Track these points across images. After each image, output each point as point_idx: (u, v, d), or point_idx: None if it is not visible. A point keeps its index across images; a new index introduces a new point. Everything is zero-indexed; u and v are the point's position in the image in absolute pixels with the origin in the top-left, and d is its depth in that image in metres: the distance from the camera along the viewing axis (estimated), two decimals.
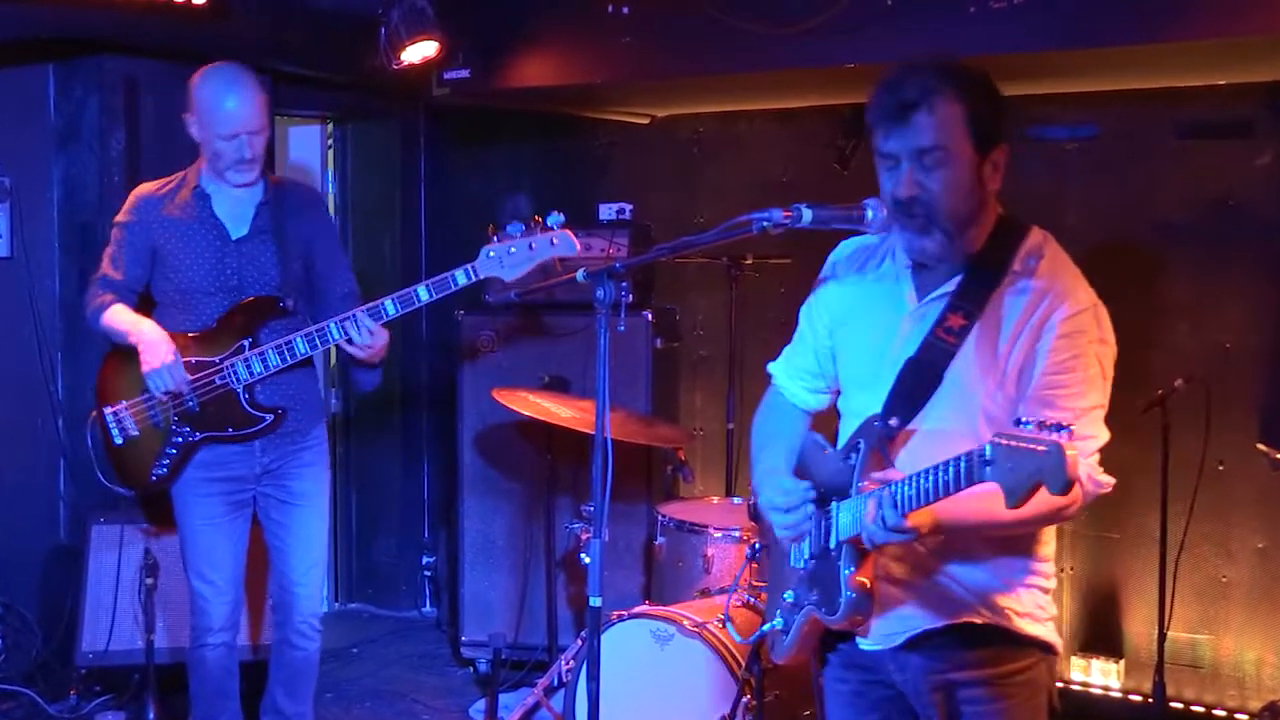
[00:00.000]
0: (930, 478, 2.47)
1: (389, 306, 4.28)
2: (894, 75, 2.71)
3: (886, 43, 4.93)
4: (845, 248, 3.05)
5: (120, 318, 4.39)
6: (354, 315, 4.28)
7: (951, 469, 2.42)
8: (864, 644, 2.92)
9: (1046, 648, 2.86)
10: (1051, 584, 2.88)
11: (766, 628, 3.09)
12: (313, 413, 4.59)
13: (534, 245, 4.22)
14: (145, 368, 4.27)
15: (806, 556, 2.89)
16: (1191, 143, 5.44)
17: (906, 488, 2.52)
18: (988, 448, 2.31)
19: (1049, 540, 2.89)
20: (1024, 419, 2.27)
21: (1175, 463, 5.09)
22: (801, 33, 5.08)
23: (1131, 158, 5.59)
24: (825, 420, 3.17)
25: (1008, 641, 2.81)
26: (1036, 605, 2.84)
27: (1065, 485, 2.18)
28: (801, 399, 3.17)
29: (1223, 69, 5.18)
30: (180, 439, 4.39)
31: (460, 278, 4.26)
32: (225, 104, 4.29)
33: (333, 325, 4.28)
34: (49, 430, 5.78)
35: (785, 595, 2.98)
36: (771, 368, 3.25)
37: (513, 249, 4.23)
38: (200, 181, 4.44)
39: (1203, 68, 5.16)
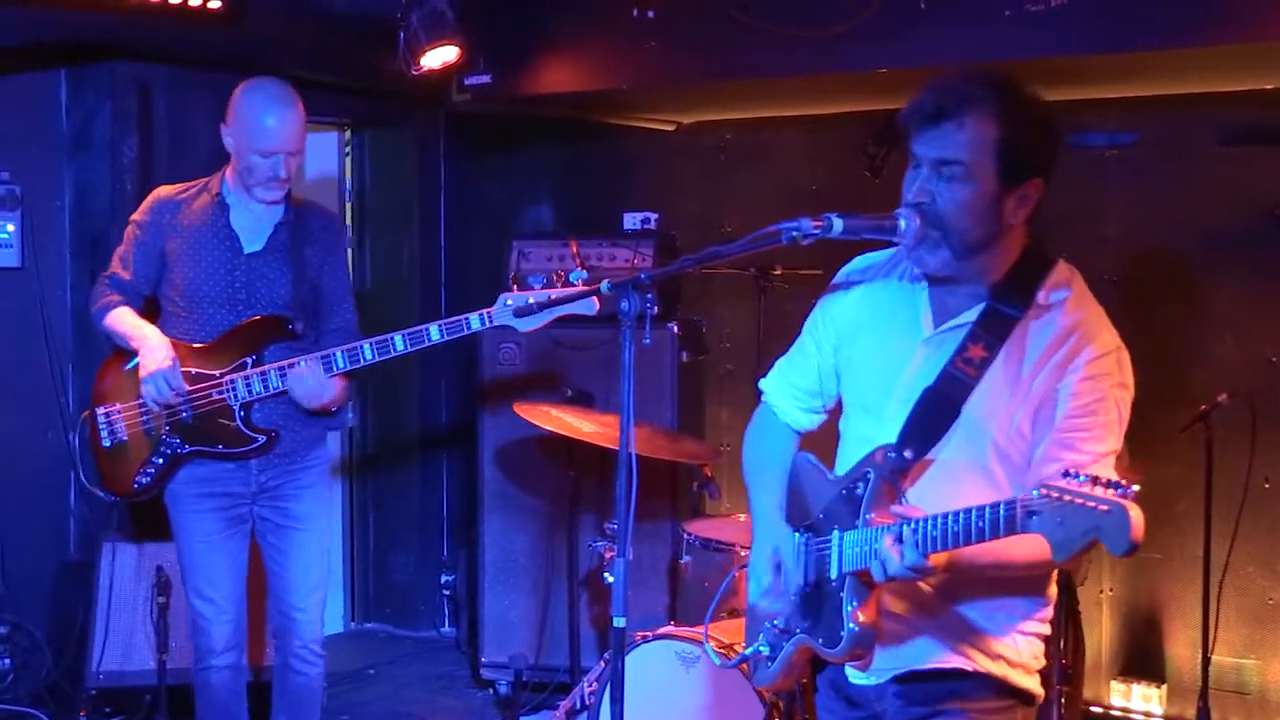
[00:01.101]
0: (960, 522, 2.43)
1: (398, 342, 4.32)
2: (943, 77, 2.70)
3: (919, 47, 4.93)
4: (857, 263, 3.03)
5: (124, 320, 4.42)
6: (359, 347, 4.32)
7: (989, 516, 2.38)
8: (853, 677, 2.91)
9: (1030, 699, 2.85)
10: (1048, 630, 2.88)
11: (749, 651, 3.07)
12: (313, 435, 4.59)
13: (552, 299, 4.26)
14: (142, 373, 4.30)
15: (800, 583, 2.88)
16: (1235, 150, 5.43)
17: (931, 528, 2.49)
18: (1034, 496, 2.28)
19: (1051, 582, 2.88)
20: (1073, 471, 2.24)
21: (1219, 480, 5.07)
22: (832, 37, 5.08)
23: (1173, 165, 5.58)
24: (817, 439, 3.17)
25: (993, 690, 2.80)
26: (1033, 655, 2.84)
27: (1129, 548, 2.14)
28: (794, 419, 3.16)
29: (1268, 73, 5.17)
30: (168, 450, 4.40)
31: (475, 322, 4.32)
32: (266, 120, 4.33)
33: (338, 354, 4.31)
34: (59, 443, 5.80)
35: (774, 621, 2.96)
36: (763, 384, 3.23)
37: (530, 300, 4.26)
38: (222, 190, 4.47)
39: (1247, 72, 5.14)
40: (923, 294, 2.84)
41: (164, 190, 4.57)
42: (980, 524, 2.40)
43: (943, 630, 2.79)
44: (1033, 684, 2.84)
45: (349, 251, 4.67)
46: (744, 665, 4.22)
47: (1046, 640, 2.89)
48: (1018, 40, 4.76)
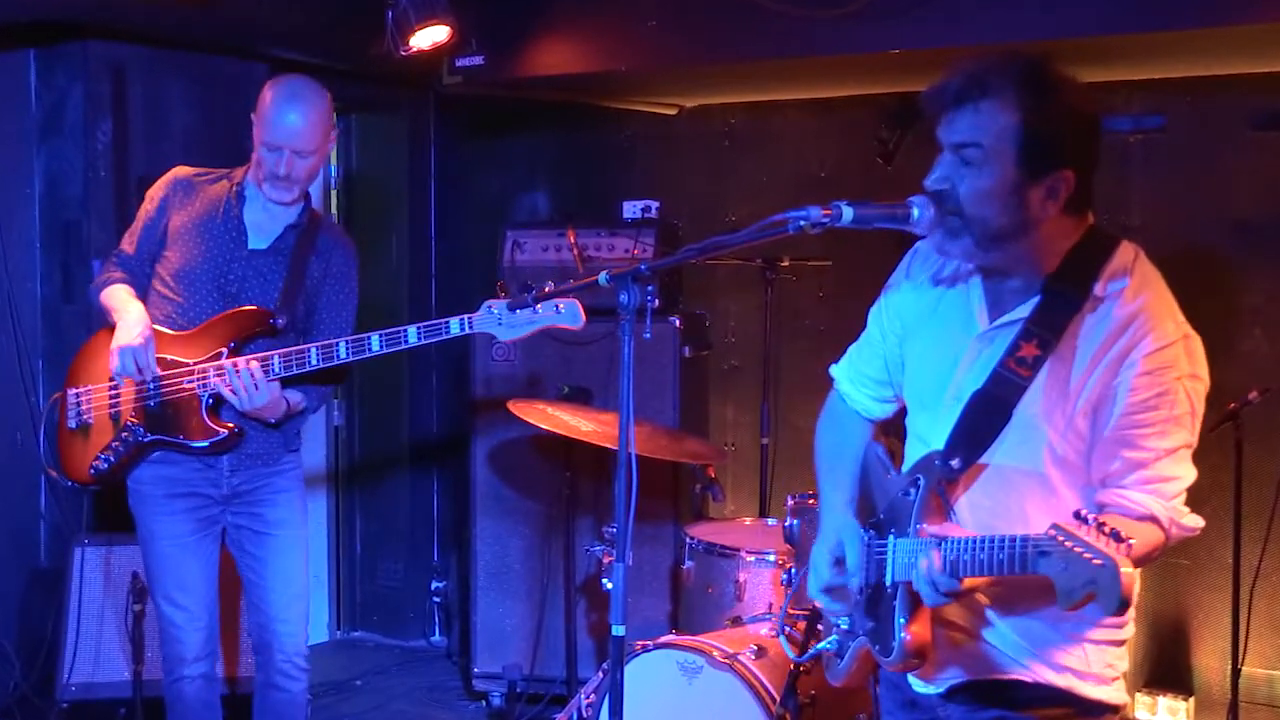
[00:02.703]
0: (985, 550, 2.48)
1: (374, 342, 4.32)
2: (968, 59, 2.68)
3: (934, 27, 4.92)
4: (922, 247, 3.00)
5: (115, 296, 4.46)
6: (335, 345, 4.32)
7: (1006, 550, 2.44)
8: (915, 685, 2.94)
9: (1105, 709, 2.82)
10: (1127, 633, 2.84)
11: (820, 646, 3.14)
12: (284, 438, 4.60)
13: (539, 310, 4.26)
14: (114, 344, 4.33)
15: (861, 584, 2.90)
16: (1268, 135, 5.42)
17: (963, 552, 2.53)
18: (1044, 537, 2.33)
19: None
20: (1083, 512, 2.28)
21: (1249, 482, 5.06)
22: (842, 16, 5.07)
23: (1202, 151, 5.57)
24: None
25: (1059, 702, 2.78)
26: (1105, 664, 2.80)
27: (1119, 606, 2.19)
28: (865, 407, 3.16)
29: None
30: (131, 437, 4.42)
31: (455, 326, 4.32)
32: (282, 114, 4.35)
33: (314, 350, 4.31)
34: (29, 445, 5.78)
35: (840, 621, 3.01)
36: (834, 371, 3.23)
37: (515, 310, 4.27)
38: (243, 181, 4.51)
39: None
40: (976, 286, 2.83)
41: (183, 170, 4.62)
42: (1000, 556, 2.45)
43: (1004, 640, 2.79)
44: (1107, 694, 2.80)
45: (356, 286, 4.64)
46: (758, 673, 4.26)
47: (1126, 643, 2.86)
48: (1038, 20, 4.75)
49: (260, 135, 4.38)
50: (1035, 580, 2.59)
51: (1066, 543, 2.26)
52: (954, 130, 2.66)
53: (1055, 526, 2.30)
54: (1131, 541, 2.24)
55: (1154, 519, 2.57)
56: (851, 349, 3.20)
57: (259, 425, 4.47)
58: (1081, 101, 2.69)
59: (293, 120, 4.35)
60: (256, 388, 4.29)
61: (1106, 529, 2.23)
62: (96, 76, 5.72)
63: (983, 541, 2.48)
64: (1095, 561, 2.21)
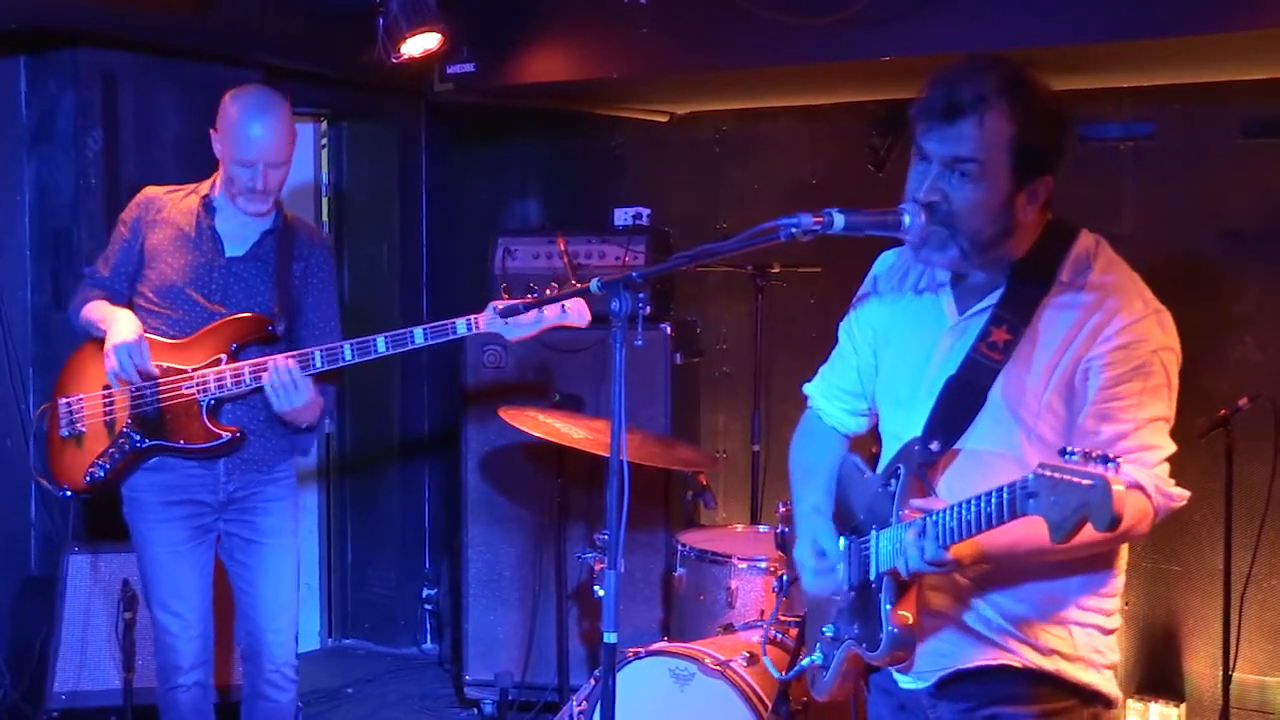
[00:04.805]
0: (971, 509, 2.47)
1: (380, 344, 4.35)
2: (954, 70, 2.70)
3: (925, 34, 4.92)
4: (886, 259, 3.07)
5: (98, 309, 4.47)
6: (339, 347, 4.36)
7: (994, 500, 2.42)
8: (903, 681, 2.93)
9: (1095, 697, 2.82)
10: (1114, 623, 2.85)
11: (805, 662, 3.13)
12: (282, 446, 4.60)
13: (544, 311, 4.30)
14: (107, 345, 4.32)
15: (846, 589, 2.90)
16: (1259, 142, 5.42)
17: (948, 518, 2.53)
18: (1030, 478, 2.32)
19: (1117, 571, 2.86)
20: (1069, 448, 2.28)
21: (1240, 489, 5.07)
22: (833, 23, 5.07)
23: (1192, 158, 5.57)
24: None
25: (1050, 686, 2.78)
26: (1093, 649, 2.81)
27: (1111, 522, 2.19)
28: (840, 421, 3.20)
29: None
30: (127, 444, 4.42)
31: (461, 328, 4.38)
32: (251, 129, 4.37)
33: (317, 354, 4.32)
34: (19, 452, 5.77)
35: (824, 629, 3.00)
36: (808, 389, 3.27)
37: (521, 308, 4.31)
38: (211, 193, 4.53)
39: (1271, 59, 5.14)
40: (947, 283, 2.87)
41: (153, 188, 4.64)
42: (988, 510, 2.44)
43: (988, 625, 2.80)
44: (1098, 680, 2.81)
45: (335, 277, 4.67)
46: (750, 681, 4.25)
47: (1114, 634, 2.86)
48: (1028, 27, 4.75)
49: (231, 153, 4.40)
50: (1019, 562, 2.66)
51: (1054, 474, 2.26)
52: (948, 144, 2.68)
53: (1041, 465, 2.30)
54: (1120, 460, 2.24)
55: (1139, 487, 2.57)
56: (823, 367, 3.24)
57: (259, 430, 4.48)
58: (1061, 108, 2.74)
59: (261, 134, 4.38)
60: (295, 386, 4.30)
61: (1094, 454, 2.24)
62: (87, 84, 5.72)
63: (967, 502, 2.48)
64: (1084, 483, 2.21)
